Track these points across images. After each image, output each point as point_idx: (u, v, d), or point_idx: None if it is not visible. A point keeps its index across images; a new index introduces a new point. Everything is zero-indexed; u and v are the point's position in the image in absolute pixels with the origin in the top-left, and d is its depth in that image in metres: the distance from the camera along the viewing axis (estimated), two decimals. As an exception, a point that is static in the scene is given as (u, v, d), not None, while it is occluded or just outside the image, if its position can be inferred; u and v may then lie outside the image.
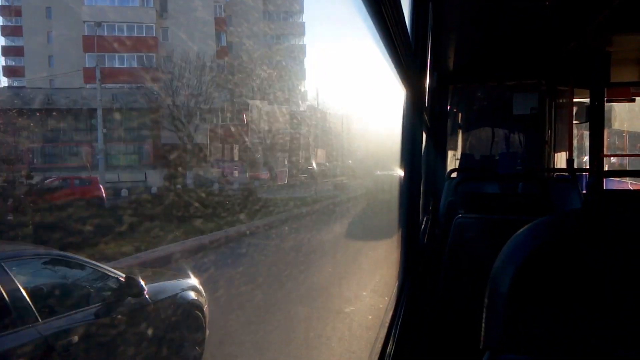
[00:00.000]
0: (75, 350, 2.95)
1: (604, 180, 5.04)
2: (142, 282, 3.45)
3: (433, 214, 3.27)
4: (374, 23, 0.93)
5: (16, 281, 2.86)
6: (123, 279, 3.42)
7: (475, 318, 1.01)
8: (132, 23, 22.89)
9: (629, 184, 8.01)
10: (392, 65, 1.33)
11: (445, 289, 1.96)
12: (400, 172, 2.08)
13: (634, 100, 5.26)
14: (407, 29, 1.19)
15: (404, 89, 1.77)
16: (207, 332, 3.95)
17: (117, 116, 16.58)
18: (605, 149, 4.85)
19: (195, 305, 3.95)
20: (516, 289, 0.90)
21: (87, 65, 20.47)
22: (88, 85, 18.89)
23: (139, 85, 18.21)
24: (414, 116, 1.97)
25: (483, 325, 0.92)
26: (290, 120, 20.04)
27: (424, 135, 2.64)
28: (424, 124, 2.26)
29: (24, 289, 2.82)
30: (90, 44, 20.89)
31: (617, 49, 3.60)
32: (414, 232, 2.09)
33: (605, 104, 4.49)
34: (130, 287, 3.39)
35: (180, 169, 15.04)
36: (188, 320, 3.87)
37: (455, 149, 5.41)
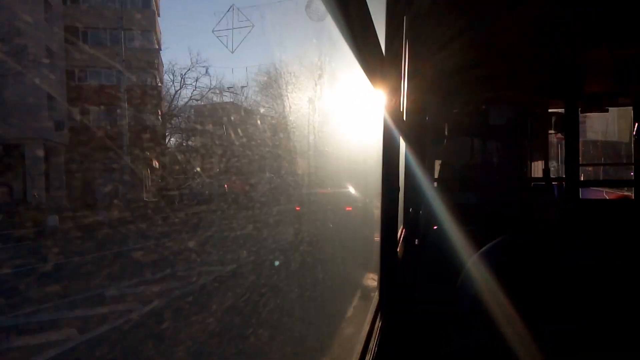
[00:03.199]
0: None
1: (580, 189, 5.14)
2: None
3: (412, 224, 3.28)
4: (343, 35, 0.92)
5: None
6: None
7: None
8: None
9: (605, 192, 8.20)
10: (366, 75, 1.33)
11: (422, 300, 1.95)
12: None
13: (607, 111, 5.40)
14: (378, 40, 1.19)
15: (380, 100, 1.77)
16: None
17: None
18: (580, 159, 4.94)
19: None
20: (480, 304, 0.88)
21: None
22: None
23: None
24: (390, 127, 1.97)
25: (448, 340, 0.91)
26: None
27: (403, 147, 2.64)
28: (401, 134, 2.26)
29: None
30: None
31: (590, 61, 3.69)
32: (391, 243, 2.08)
33: (580, 114, 4.58)
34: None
35: None
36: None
37: (434, 159, 5.45)
